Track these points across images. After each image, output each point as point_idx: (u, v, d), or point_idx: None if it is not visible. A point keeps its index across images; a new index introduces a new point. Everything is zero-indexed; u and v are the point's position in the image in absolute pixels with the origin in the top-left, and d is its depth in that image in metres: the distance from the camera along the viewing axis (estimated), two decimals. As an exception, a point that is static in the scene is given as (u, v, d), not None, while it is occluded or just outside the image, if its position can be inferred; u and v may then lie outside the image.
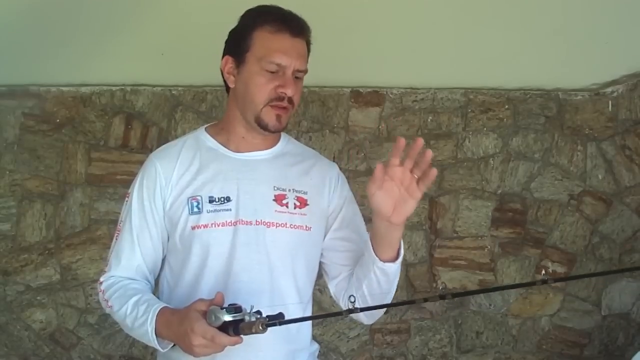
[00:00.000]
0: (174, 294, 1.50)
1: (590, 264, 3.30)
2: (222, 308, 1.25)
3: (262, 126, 1.44)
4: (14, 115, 3.09)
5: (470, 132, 3.26)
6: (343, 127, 3.22)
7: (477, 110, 3.27)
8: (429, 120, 3.25)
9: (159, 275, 1.56)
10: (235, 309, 1.25)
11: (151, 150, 3.04)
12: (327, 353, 3.20)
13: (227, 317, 1.23)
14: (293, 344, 1.50)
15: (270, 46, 1.42)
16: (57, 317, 3.12)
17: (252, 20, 1.46)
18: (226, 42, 1.51)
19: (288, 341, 1.48)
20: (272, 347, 1.44)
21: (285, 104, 1.43)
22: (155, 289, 1.55)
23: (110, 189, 3.10)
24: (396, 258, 1.40)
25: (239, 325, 1.23)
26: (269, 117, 1.43)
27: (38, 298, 3.10)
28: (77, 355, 3.13)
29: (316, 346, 1.61)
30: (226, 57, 1.49)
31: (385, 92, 3.23)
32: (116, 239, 1.51)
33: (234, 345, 1.25)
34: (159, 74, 3.03)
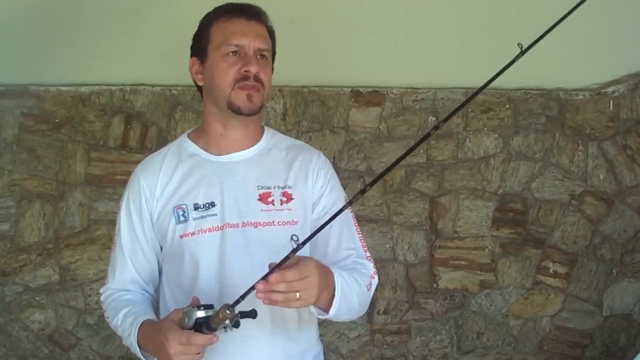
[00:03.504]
0: (177, 304, 1.49)
1: (591, 264, 3.30)
2: (193, 307, 1.25)
3: (235, 110, 1.43)
4: (13, 115, 3.08)
5: (471, 132, 3.26)
6: (343, 127, 3.22)
7: (478, 110, 3.26)
8: (429, 120, 3.24)
9: (159, 285, 1.57)
10: (206, 306, 1.25)
11: (151, 150, 3.06)
12: (327, 353, 3.18)
13: (200, 314, 1.23)
14: (295, 344, 1.48)
15: (227, 31, 1.44)
16: (56, 317, 3.11)
17: (209, 17, 1.50)
18: (190, 47, 1.53)
19: (289, 341, 1.46)
20: (272, 349, 1.43)
21: (252, 82, 1.42)
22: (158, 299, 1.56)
23: (110, 189, 3.09)
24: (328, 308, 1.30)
25: (211, 319, 1.22)
26: (240, 98, 1.42)
27: (37, 298, 3.09)
28: (76, 356, 3.13)
29: (320, 346, 1.59)
30: (192, 59, 1.51)
31: (385, 92, 3.23)
32: (112, 253, 1.54)
33: (210, 343, 1.24)
34: (159, 74, 3.02)
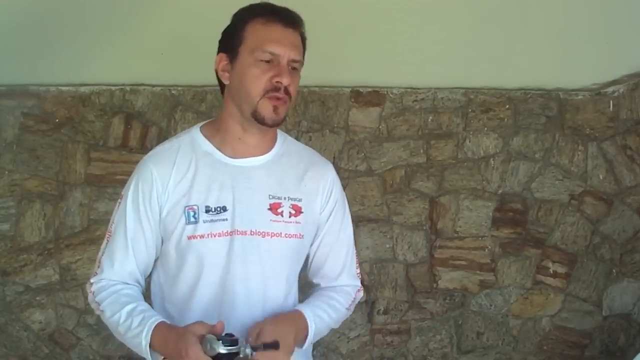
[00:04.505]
0: (169, 298, 1.50)
1: (591, 264, 3.30)
2: (218, 339, 1.24)
3: (259, 120, 1.41)
4: (13, 115, 3.08)
5: (471, 132, 3.26)
6: (343, 127, 3.22)
7: (478, 110, 3.26)
8: (429, 120, 3.24)
9: (150, 274, 1.55)
10: (231, 341, 1.25)
11: (151, 150, 3.05)
12: (327, 353, 3.19)
13: (222, 350, 1.23)
14: None
15: (263, 36, 1.40)
16: (57, 317, 3.11)
17: (244, 15, 1.45)
18: (219, 42, 1.49)
19: None
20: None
21: (281, 94, 1.39)
22: (147, 287, 1.54)
23: (110, 189, 3.09)
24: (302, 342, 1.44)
25: (233, 359, 1.24)
26: (266, 109, 1.40)
27: (37, 298, 3.10)
28: (77, 356, 3.13)
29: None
30: (220, 54, 1.47)
31: (385, 92, 3.23)
32: (107, 241, 1.49)
33: None
34: (159, 74, 3.02)
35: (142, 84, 3.13)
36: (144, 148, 3.09)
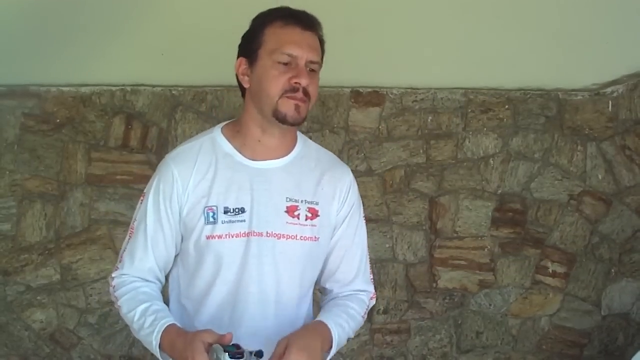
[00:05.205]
0: (186, 293, 1.53)
1: (590, 264, 3.31)
2: (225, 351, 1.25)
3: (281, 118, 1.42)
4: (14, 115, 3.08)
5: (470, 132, 3.26)
6: (343, 127, 3.22)
7: (477, 110, 3.26)
8: (429, 120, 3.24)
9: (171, 269, 1.58)
10: (237, 353, 1.26)
11: (151, 151, 3.06)
12: (327, 353, 3.20)
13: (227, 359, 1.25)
14: None
15: (281, 38, 1.42)
16: (57, 317, 3.12)
17: (263, 19, 1.47)
18: (239, 46, 1.51)
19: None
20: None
21: (300, 95, 1.41)
22: (166, 283, 1.57)
23: (110, 189, 3.09)
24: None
25: None
26: (287, 107, 1.41)
27: (38, 298, 3.10)
28: (77, 355, 3.14)
29: None
30: (239, 59, 1.49)
31: (385, 92, 3.23)
32: (129, 238, 1.52)
33: None
34: (159, 74, 3.03)
35: (143, 84, 3.13)
36: (145, 148, 3.09)
